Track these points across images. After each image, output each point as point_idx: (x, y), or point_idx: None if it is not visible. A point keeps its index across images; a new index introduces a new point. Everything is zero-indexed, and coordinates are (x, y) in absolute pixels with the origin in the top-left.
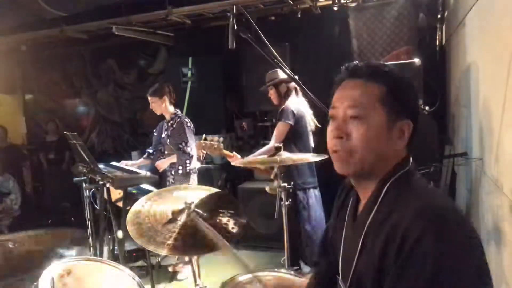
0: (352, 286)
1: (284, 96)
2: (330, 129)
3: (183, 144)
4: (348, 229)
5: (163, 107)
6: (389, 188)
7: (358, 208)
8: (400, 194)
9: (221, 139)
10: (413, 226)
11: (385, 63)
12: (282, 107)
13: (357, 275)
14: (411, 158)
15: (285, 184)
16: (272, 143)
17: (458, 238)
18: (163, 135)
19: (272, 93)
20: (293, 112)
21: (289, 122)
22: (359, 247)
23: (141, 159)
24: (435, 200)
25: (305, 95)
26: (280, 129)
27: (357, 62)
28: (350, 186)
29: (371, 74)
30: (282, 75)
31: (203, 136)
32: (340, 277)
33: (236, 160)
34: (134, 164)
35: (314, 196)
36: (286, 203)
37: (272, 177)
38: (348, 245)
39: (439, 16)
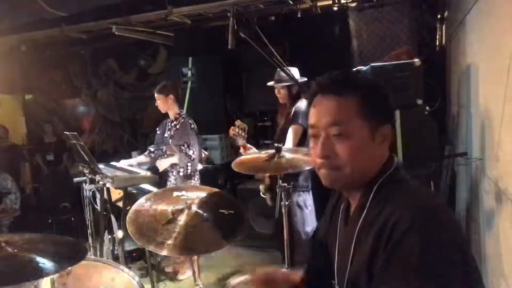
0: None
1: (294, 97)
2: (314, 148)
3: (185, 145)
4: (341, 234)
5: (169, 105)
6: (377, 191)
7: (349, 212)
8: (388, 195)
9: (246, 127)
10: (401, 220)
11: (355, 70)
12: (294, 109)
13: (352, 279)
14: (395, 158)
15: (285, 184)
16: (290, 146)
17: (445, 231)
18: (166, 134)
19: (282, 92)
20: (306, 113)
21: (303, 124)
22: (352, 251)
23: (141, 156)
24: (422, 196)
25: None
26: (295, 132)
27: (327, 75)
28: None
29: (343, 88)
30: (296, 74)
31: (238, 120)
32: (336, 282)
33: (248, 152)
34: (134, 161)
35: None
36: (286, 203)
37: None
38: (342, 250)
39: (439, 16)
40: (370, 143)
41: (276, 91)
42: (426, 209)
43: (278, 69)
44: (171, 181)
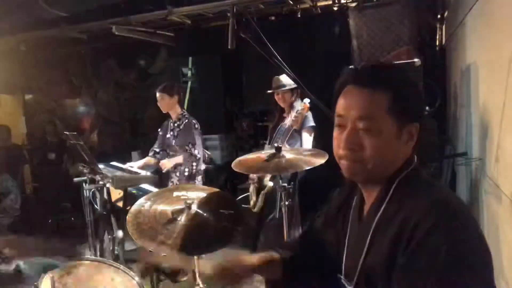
0: (358, 285)
1: (295, 99)
2: (338, 138)
3: (190, 145)
4: (353, 228)
5: (172, 105)
6: (397, 187)
7: (363, 207)
8: (408, 192)
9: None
10: (424, 218)
11: (389, 63)
12: (306, 114)
13: (364, 273)
14: (415, 156)
15: (285, 184)
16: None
17: (468, 230)
18: (168, 135)
19: (286, 96)
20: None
21: (313, 125)
22: (367, 245)
23: (147, 158)
24: (443, 195)
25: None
26: (311, 135)
27: (360, 65)
28: (352, 186)
29: (377, 82)
30: (289, 80)
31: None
32: (344, 276)
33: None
34: (139, 166)
35: None
36: (286, 203)
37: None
38: (353, 244)
39: (439, 16)
40: (396, 141)
41: (278, 97)
42: (449, 208)
43: (276, 76)
44: (174, 181)
